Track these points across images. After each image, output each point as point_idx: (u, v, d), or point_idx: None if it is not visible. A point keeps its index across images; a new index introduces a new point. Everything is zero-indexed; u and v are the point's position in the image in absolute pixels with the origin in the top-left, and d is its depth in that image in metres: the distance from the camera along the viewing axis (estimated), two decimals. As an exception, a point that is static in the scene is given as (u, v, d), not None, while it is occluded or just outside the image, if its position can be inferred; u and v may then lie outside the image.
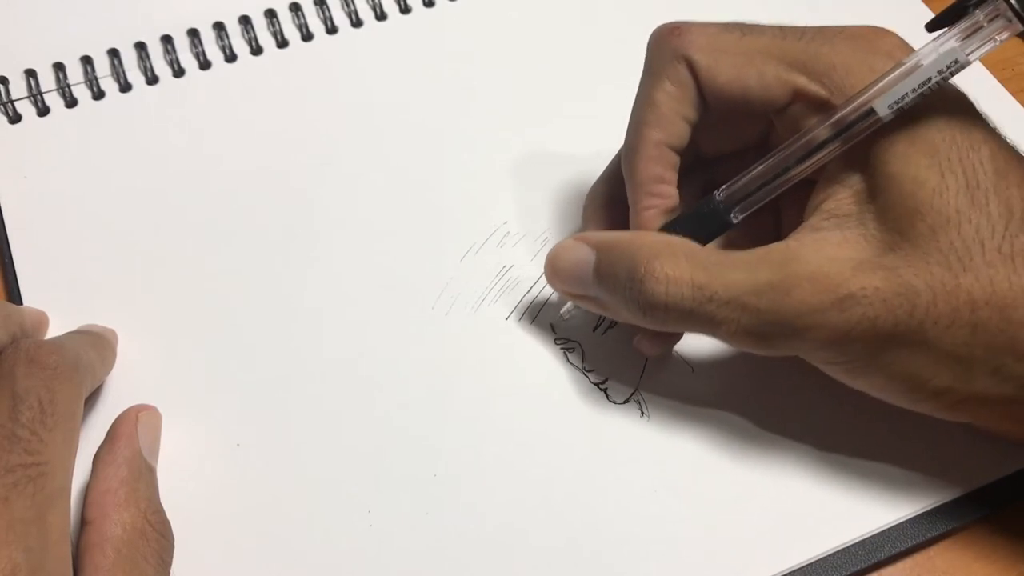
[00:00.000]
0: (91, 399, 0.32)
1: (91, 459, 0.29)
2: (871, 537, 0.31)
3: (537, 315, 0.35)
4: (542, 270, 0.36)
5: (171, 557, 0.28)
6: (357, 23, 0.42)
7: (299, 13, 0.42)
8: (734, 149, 0.33)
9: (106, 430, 0.30)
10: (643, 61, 0.32)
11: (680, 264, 0.28)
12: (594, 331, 0.35)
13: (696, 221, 0.30)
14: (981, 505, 0.32)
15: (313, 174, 0.38)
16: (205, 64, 0.41)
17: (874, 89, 0.27)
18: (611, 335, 0.35)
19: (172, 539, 0.28)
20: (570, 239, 0.32)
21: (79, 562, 0.26)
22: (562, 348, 0.34)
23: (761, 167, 0.29)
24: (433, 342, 0.34)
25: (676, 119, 0.30)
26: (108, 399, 0.33)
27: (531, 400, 0.33)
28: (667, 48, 0.30)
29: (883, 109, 0.27)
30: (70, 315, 0.34)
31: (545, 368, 0.34)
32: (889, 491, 0.32)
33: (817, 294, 0.27)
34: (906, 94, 0.27)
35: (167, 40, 0.41)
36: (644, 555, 0.31)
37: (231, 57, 0.41)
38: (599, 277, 0.30)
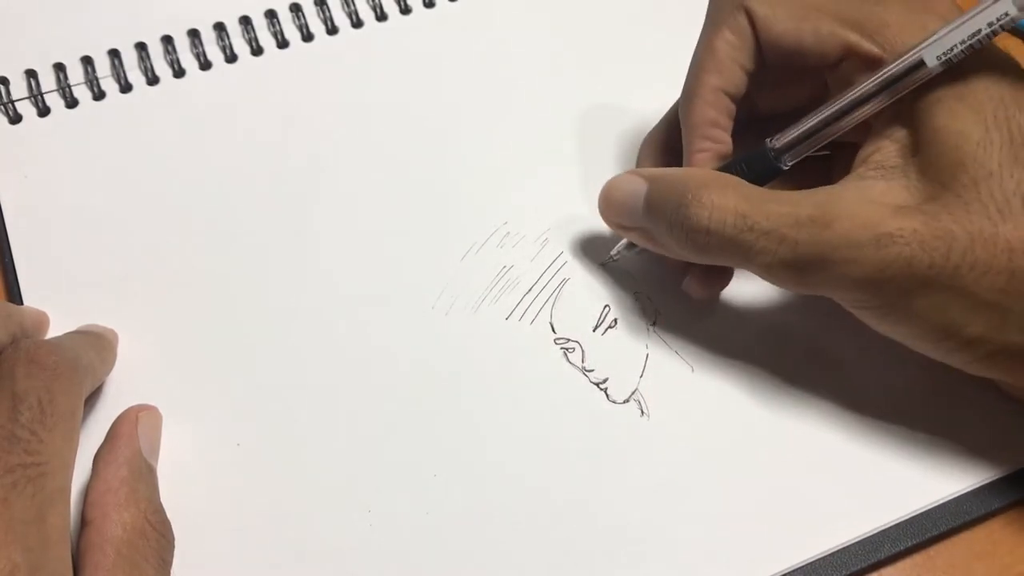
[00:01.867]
0: (91, 399, 0.32)
1: (91, 459, 0.29)
2: (871, 537, 0.31)
3: (537, 315, 0.35)
4: (542, 270, 0.36)
5: (171, 557, 0.28)
6: (357, 23, 0.42)
7: (299, 14, 0.42)
8: (787, 108, 0.34)
9: (106, 430, 0.30)
10: (705, 11, 0.33)
11: (727, 194, 0.29)
12: (594, 331, 0.35)
13: (748, 165, 0.31)
14: (981, 505, 0.32)
15: (313, 174, 0.38)
16: (206, 64, 0.41)
17: (925, 43, 0.28)
18: (611, 335, 0.35)
19: (172, 539, 0.28)
20: (625, 173, 0.33)
21: (79, 562, 0.26)
22: (562, 348, 0.34)
23: (813, 115, 0.30)
24: (433, 342, 0.34)
25: (733, 66, 0.32)
26: (108, 399, 0.33)
27: (531, 400, 0.33)
28: None
29: (931, 60, 0.27)
30: (70, 315, 0.34)
31: (545, 368, 0.34)
32: (889, 491, 0.32)
33: (855, 230, 0.27)
34: (954, 46, 0.27)
35: (168, 40, 0.41)
36: (644, 555, 0.31)
37: (232, 58, 0.41)
38: (649, 206, 0.31)
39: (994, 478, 0.32)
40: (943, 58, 0.27)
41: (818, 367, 0.34)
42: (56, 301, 0.34)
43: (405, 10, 0.43)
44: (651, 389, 0.33)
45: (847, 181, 0.29)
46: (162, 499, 0.29)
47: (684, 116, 0.33)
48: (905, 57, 0.28)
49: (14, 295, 0.35)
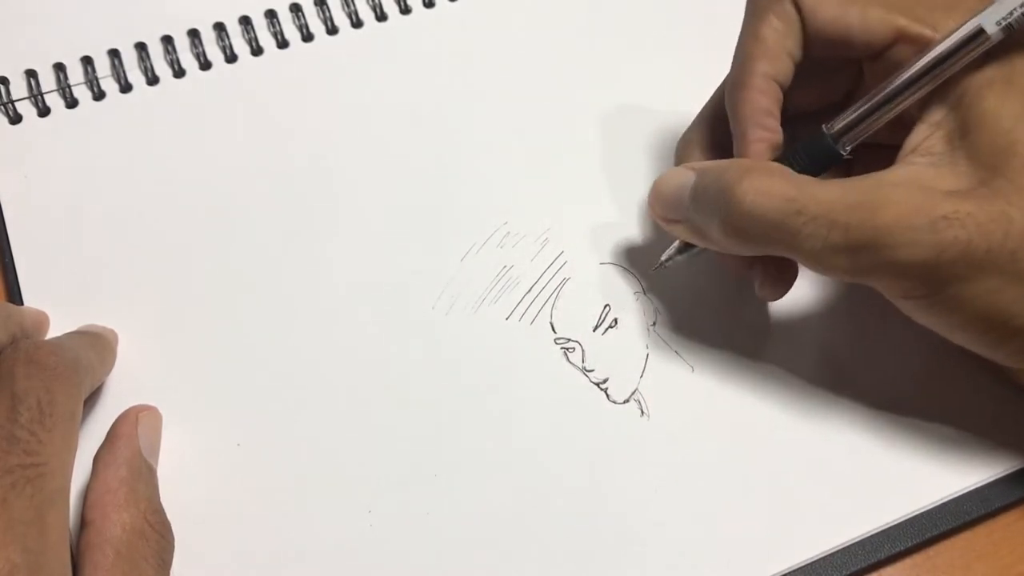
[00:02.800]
0: (91, 399, 0.32)
1: (91, 459, 0.29)
2: (871, 537, 0.31)
3: (537, 315, 0.35)
4: (542, 270, 0.36)
5: (171, 557, 0.28)
6: (357, 24, 0.42)
7: (299, 14, 0.42)
8: (815, 108, 0.33)
9: (106, 430, 0.30)
10: (745, 3, 0.32)
11: (773, 179, 0.28)
12: (594, 331, 0.35)
13: (806, 154, 0.30)
14: (981, 505, 0.32)
15: (313, 175, 0.38)
16: (206, 65, 0.41)
17: (983, 12, 0.27)
18: (611, 335, 0.35)
19: (172, 539, 0.29)
20: (677, 167, 0.32)
21: (79, 562, 0.26)
22: (562, 348, 0.34)
23: (870, 96, 0.29)
24: (433, 342, 0.34)
25: (782, 54, 0.31)
26: (108, 399, 0.33)
27: (531, 400, 0.33)
28: None
29: (991, 27, 0.27)
30: (70, 315, 0.34)
31: (545, 368, 0.34)
32: (889, 491, 0.32)
33: (910, 213, 0.26)
34: (1014, 9, 0.27)
35: (168, 41, 0.41)
36: (644, 555, 0.31)
37: (232, 58, 0.41)
38: (694, 196, 0.30)
39: (994, 478, 0.32)
40: (1003, 23, 0.27)
41: (818, 367, 0.34)
42: (56, 301, 0.34)
43: (405, 10, 0.43)
44: (651, 389, 0.33)
45: (895, 168, 0.28)
46: (162, 499, 0.29)
47: (735, 106, 0.31)
48: (964, 27, 0.27)
49: (14, 295, 0.35)
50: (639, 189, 0.38)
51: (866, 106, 0.29)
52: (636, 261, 0.36)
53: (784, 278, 0.32)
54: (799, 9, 0.30)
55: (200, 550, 0.30)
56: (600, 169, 0.38)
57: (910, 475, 0.32)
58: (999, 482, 0.32)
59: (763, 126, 0.31)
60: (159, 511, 0.28)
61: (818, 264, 0.28)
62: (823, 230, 0.27)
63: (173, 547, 0.28)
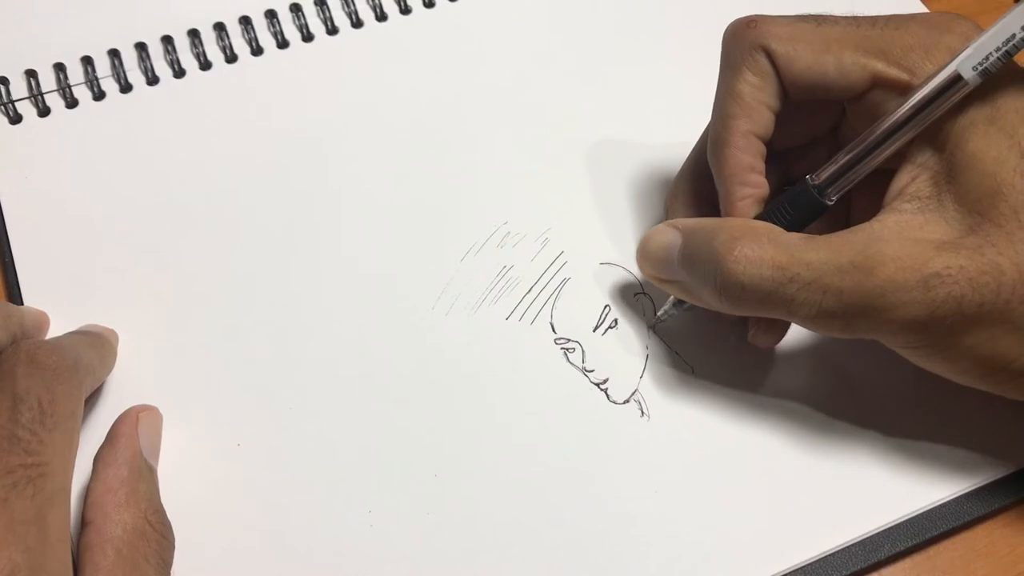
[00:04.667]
0: (91, 399, 0.32)
1: (91, 459, 0.29)
2: (871, 537, 0.31)
3: (537, 315, 0.35)
4: (542, 270, 0.36)
5: (172, 557, 0.28)
6: (357, 24, 0.42)
7: (299, 14, 0.42)
8: (802, 142, 0.33)
9: (106, 430, 0.30)
10: (719, 57, 0.32)
11: (762, 245, 0.28)
12: (594, 331, 0.35)
13: (791, 206, 0.30)
14: (981, 505, 0.32)
15: (313, 175, 0.38)
16: (206, 65, 0.41)
17: (958, 57, 0.27)
18: (611, 335, 0.35)
19: (173, 539, 0.28)
20: (661, 224, 0.32)
21: (79, 562, 0.26)
22: (562, 348, 0.34)
23: (852, 147, 0.29)
24: (433, 342, 0.34)
25: (761, 108, 0.31)
26: (108, 399, 0.33)
27: (531, 400, 0.33)
28: (745, 40, 0.31)
29: (967, 72, 0.27)
30: (70, 315, 0.34)
31: (545, 368, 0.34)
32: (889, 491, 0.32)
33: (902, 273, 0.26)
34: (989, 54, 0.27)
35: (168, 41, 0.41)
36: (644, 555, 0.31)
37: (232, 58, 0.41)
38: (684, 259, 0.30)
39: (994, 478, 0.32)
40: (979, 68, 0.27)
41: (818, 368, 0.34)
42: (56, 301, 0.34)
43: (405, 10, 0.43)
44: (651, 390, 0.33)
45: (883, 217, 0.28)
46: (163, 499, 0.29)
47: (718, 165, 0.31)
48: (941, 73, 0.27)
49: (14, 295, 0.35)
50: (639, 189, 0.38)
51: (848, 156, 0.29)
52: (636, 261, 0.36)
53: (777, 326, 0.32)
54: (773, 61, 0.30)
55: (201, 550, 0.30)
56: (600, 169, 0.38)
57: (911, 475, 0.32)
58: (999, 482, 0.32)
59: (747, 183, 0.31)
60: (160, 511, 0.28)
61: (814, 327, 0.29)
62: (816, 296, 0.27)
63: (174, 547, 0.28)
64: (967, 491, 0.32)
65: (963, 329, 0.27)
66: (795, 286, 0.28)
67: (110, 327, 0.34)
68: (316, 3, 0.42)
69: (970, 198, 0.27)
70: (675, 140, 0.38)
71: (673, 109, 0.40)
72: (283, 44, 0.41)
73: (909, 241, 0.27)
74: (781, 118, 0.31)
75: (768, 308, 0.29)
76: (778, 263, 0.28)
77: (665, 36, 0.42)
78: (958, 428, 0.32)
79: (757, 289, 0.28)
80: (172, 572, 0.28)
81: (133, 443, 0.29)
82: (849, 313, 0.27)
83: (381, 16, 0.42)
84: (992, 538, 0.32)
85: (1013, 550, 0.32)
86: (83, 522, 0.27)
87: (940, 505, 0.31)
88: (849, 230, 0.28)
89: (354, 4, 0.42)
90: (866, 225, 0.28)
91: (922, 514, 0.31)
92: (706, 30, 0.41)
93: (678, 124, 0.39)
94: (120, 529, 0.27)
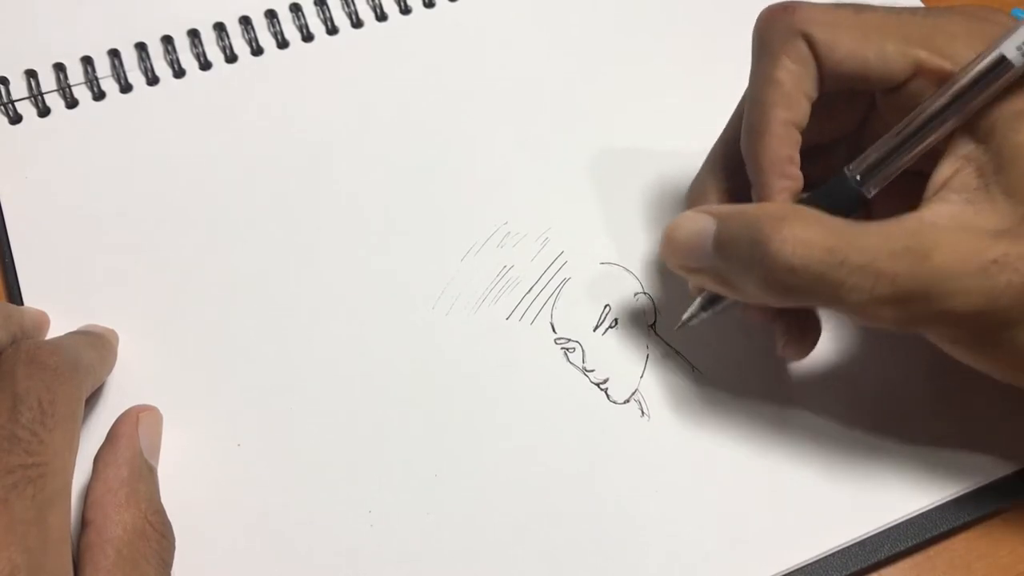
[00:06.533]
0: (91, 399, 0.32)
1: (91, 460, 0.29)
2: (871, 537, 0.31)
3: (537, 315, 0.35)
4: (542, 270, 0.36)
5: (172, 557, 0.28)
6: (357, 24, 0.42)
7: (299, 14, 0.42)
8: (829, 139, 0.32)
9: (107, 430, 0.30)
10: (753, 42, 0.30)
11: (811, 226, 0.26)
12: (594, 331, 0.35)
13: (829, 199, 0.29)
14: (980, 505, 0.32)
15: (313, 175, 0.38)
16: (206, 65, 0.41)
17: (1003, 39, 0.26)
18: (611, 335, 0.35)
19: (173, 539, 0.29)
20: (689, 211, 0.30)
21: (79, 563, 0.26)
22: (562, 348, 0.34)
23: (891, 136, 0.28)
24: (434, 342, 0.34)
25: (799, 97, 0.29)
26: (108, 399, 0.33)
27: (531, 400, 0.33)
28: (782, 25, 0.29)
29: (1011, 51, 0.26)
30: (70, 315, 0.34)
31: (545, 368, 0.34)
32: (889, 492, 0.32)
33: (960, 259, 0.25)
34: None
35: (168, 41, 0.41)
36: (644, 555, 0.31)
37: (232, 58, 0.41)
38: (719, 245, 0.28)
39: (994, 478, 0.32)
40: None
41: (819, 368, 0.34)
42: (56, 301, 0.34)
43: (405, 10, 0.43)
44: (652, 389, 0.33)
45: (931, 206, 0.27)
46: (163, 499, 0.29)
47: (755, 155, 0.30)
48: (984, 57, 0.26)
49: (14, 295, 0.35)
50: (640, 189, 0.38)
51: (889, 146, 0.28)
52: (636, 261, 0.36)
53: (808, 338, 0.31)
54: (813, 47, 0.29)
55: (201, 550, 0.30)
56: (600, 168, 0.38)
57: (910, 476, 0.32)
58: (999, 482, 0.32)
59: (785, 175, 0.29)
60: (160, 511, 0.28)
61: (863, 316, 0.27)
62: (868, 281, 0.26)
63: (174, 547, 0.28)
64: (967, 491, 0.32)
65: (1020, 320, 0.26)
66: (845, 270, 0.26)
67: (110, 327, 0.34)
68: (316, 3, 0.42)
69: (1021, 189, 0.26)
70: (675, 139, 0.38)
71: (674, 108, 0.40)
72: (283, 44, 0.41)
73: (964, 228, 0.26)
74: (813, 111, 0.30)
75: (815, 295, 0.27)
76: (828, 245, 0.26)
77: (665, 35, 0.42)
78: (958, 429, 0.32)
79: (807, 272, 0.26)
80: (172, 572, 0.28)
81: (133, 443, 0.29)
82: (903, 300, 0.26)
83: (381, 16, 0.42)
84: (992, 538, 0.32)
85: (1013, 550, 0.32)
86: (83, 522, 0.27)
87: (940, 505, 0.31)
88: (897, 218, 0.27)
89: (354, 4, 0.42)
90: (915, 213, 0.27)
91: (922, 514, 0.31)
92: (707, 29, 0.42)
93: (679, 123, 0.39)
94: (120, 529, 0.27)
